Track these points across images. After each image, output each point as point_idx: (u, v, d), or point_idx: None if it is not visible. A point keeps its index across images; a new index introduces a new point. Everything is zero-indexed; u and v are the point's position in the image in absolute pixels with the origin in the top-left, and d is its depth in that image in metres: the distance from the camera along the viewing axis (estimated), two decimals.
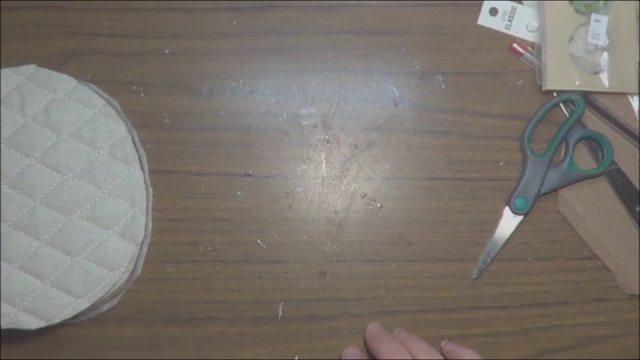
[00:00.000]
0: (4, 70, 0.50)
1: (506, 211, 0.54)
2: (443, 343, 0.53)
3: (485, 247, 0.54)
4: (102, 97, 0.52)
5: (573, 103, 0.54)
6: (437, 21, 0.55)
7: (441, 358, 0.48)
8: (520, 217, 0.54)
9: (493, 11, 0.55)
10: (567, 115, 0.55)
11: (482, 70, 0.55)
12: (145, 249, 0.53)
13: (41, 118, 0.50)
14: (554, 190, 0.54)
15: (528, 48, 0.55)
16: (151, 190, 0.53)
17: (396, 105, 0.55)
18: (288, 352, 0.54)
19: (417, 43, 0.55)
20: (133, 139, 0.51)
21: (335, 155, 0.55)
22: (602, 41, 0.53)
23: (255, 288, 0.54)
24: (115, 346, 0.53)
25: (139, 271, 0.53)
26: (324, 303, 0.54)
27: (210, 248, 0.54)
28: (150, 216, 0.53)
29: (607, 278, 0.55)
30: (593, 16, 0.53)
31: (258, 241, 0.54)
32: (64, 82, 0.51)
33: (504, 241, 0.54)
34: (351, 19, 0.55)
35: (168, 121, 0.54)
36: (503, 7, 0.55)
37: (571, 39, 0.54)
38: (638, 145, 0.55)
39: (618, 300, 0.55)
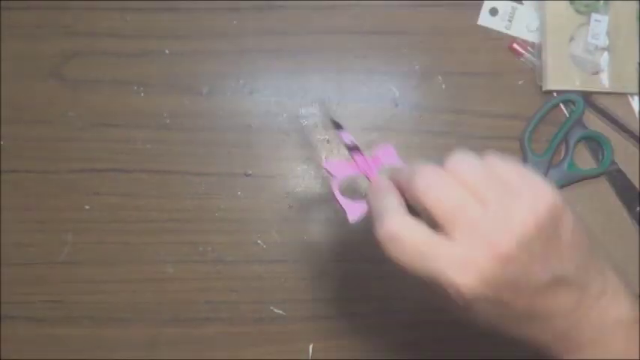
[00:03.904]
0: None
1: None
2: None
3: None
4: None
5: (573, 103, 0.54)
6: (437, 21, 0.55)
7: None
8: None
9: (493, 11, 0.55)
10: (567, 115, 0.55)
11: (482, 70, 0.55)
12: None
13: None
14: None
15: (528, 48, 0.55)
16: None
17: (396, 105, 0.55)
18: (288, 352, 0.54)
19: (417, 43, 0.55)
20: None
21: (335, 155, 0.55)
22: (602, 41, 0.53)
23: (255, 288, 0.54)
24: (115, 346, 0.53)
25: None
26: (323, 303, 0.54)
27: (210, 248, 0.54)
28: None
29: None
30: (593, 16, 0.53)
31: (258, 241, 0.54)
32: None
33: None
34: (351, 19, 0.55)
35: (168, 121, 0.54)
36: (503, 7, 0.55)
37: (571, 39, 0.54)
38: (638, 145, 0.55)
39: None
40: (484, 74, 0.55)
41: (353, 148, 0.40)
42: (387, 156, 0.40)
